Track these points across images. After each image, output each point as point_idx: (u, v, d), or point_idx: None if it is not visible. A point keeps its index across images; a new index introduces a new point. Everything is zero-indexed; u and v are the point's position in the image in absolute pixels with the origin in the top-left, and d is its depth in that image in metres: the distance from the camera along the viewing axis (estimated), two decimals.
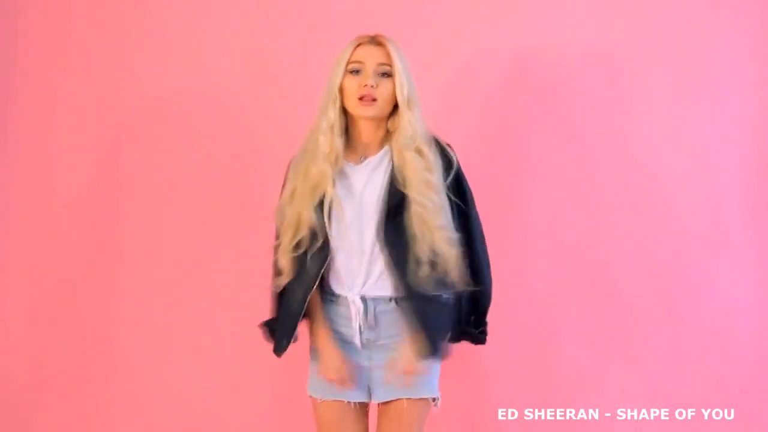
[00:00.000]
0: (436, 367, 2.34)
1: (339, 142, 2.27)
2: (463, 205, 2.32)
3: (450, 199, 2.27)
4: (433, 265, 2.21)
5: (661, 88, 3.01)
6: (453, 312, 2.31)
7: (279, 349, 2.35)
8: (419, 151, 2.25)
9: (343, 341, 2.32)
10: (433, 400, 2.33)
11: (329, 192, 2.25)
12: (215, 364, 3.14)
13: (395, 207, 2.23)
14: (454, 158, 2.31)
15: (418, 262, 2.21)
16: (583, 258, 3.02)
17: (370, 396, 2.33)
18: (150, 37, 3.21)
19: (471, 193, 2.35)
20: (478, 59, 3.05)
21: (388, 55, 2.25)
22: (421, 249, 2.20)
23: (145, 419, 3.18)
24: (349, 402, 2.31)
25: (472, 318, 2.41)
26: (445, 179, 2.27)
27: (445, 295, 2.25)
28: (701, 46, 3.01)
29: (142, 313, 3.18)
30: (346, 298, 2.31)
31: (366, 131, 2.31)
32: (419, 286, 2.21)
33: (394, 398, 2.29)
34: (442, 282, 2.22)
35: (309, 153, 2.30)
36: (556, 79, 3.03)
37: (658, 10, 3.01)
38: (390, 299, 2.29)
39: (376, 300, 2.29)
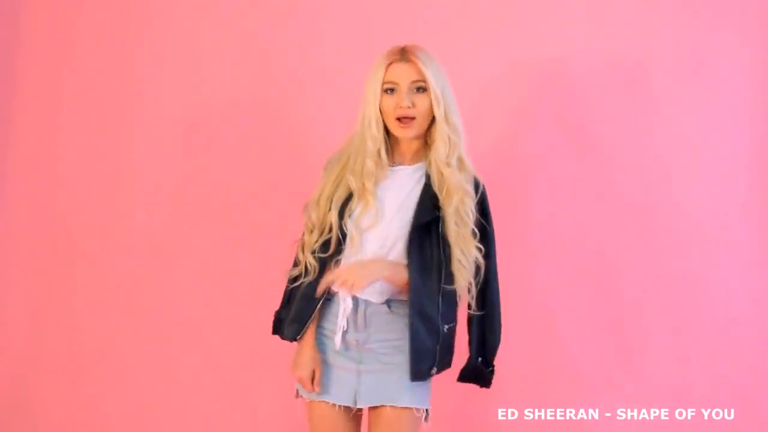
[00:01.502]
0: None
1: (385, 157, 2.29)
2: (480, 236, 2.30)
3: (481, 225, 2.31)
4: (456, 276, 2.25)
5: (663, 91, 3.01)
6: (446, 343, 2.30)
7: (292, 334, 2.32)
8: (460, 162, 2.29)
9: (332, 341, 2.30)
10: (425, 411, 2.30)
11: (370, 202, 2.26)
12: (216, 364, 3.15)
13: (428, 218, 2.25)
14: (481, 185, 2.33)
15: (456, 273, 2.25)
16: (584, 258, 3.02)
17: (355, 401, 2.29)
18: (154, 36, 3.21)
19: (492, 229, 2.35)
20: (483, 66, 3.05)
21: (420, 71, 2.24)
22: (456, 256, 2.24)
23: (146, 419, 3.18)
24: (334, 404, 2.29)
25: (480, 359, 2.37)
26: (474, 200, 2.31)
27: (445, 326, 2.27)
28: (704, 51, 3.01)
29: (144, 313, 3.18)
30: (338, 294, 2.30)
31: (401, 144, 2.33)
32: (431, 303, 2.24)
33: (378, 404, 2.27)
34: (455, 296, 2.28)
35: (348, 160, 2.31)
36: (560, 84, 3.03)
37: (663, 17, 3.01)
38: (383, 303, 2.29)
39: (367, 301, 2.28)
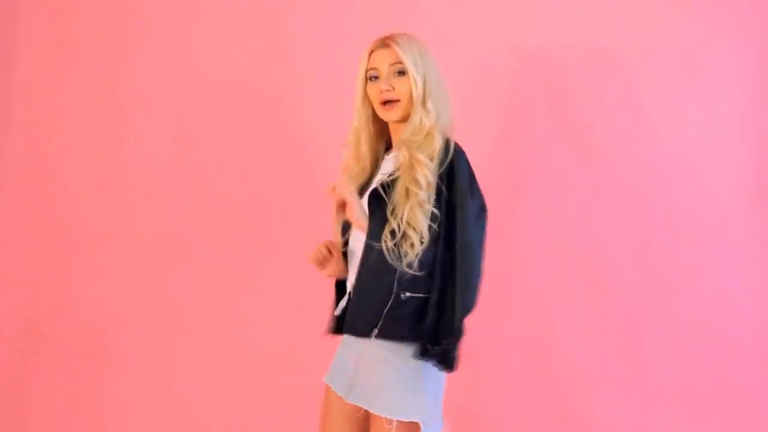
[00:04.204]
0: (415, 387, 2.19)
1: (366, 149, 2.34)
2: (448, 203, 2.20)
3: (439, 189, 2.19)
4: (395, 234, 2.14)
5: (660, 88, 3.01)
6: (401, 311, 2.17)
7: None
8: (427, 136, 2.23)
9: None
10: (395, 422, 2.15)
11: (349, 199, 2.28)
12: (215, 362, 3.15)
13: (385, 188, 2.21)
14: (452, 152, 2.22)
15: (392, 232, 2.15)
16: (581, 258, 3.02)
17: (347, 395, 2.25)
18: (149, 35, 3.22)
19: (467, 196, 2.22)
20: (478, 60, 3.05)
21: (396, 54, 2.27)
22: (394, 218, 2.15)
23: (144, 418, 3.18)
24: (333, 391, 2.30)
25: (436, 347, 2.17)
26: (439, 169, 2.20)
27: (406, 293, 2.15)
28: (701, 46, 3.01)
29: (142, 310, 3.19)
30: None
31: (395, 132, 2.35)
32: (383, 262, 2.14)
33: (361, 405, 2.21)
34: (395, 254, 2.14)
35: (344, 161, 2.38)
36: (557, 83, 3.03)
37: (662, 17, 3.01)
38: None
39: None
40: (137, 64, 3.21)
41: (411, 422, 2.15)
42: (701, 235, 2.99)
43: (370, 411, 2.19)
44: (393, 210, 2.17)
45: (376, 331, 2.17)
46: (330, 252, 2.34)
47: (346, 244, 2.36)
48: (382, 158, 2.39)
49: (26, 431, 3.22)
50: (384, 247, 2.15)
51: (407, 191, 2.17)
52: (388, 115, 2.29)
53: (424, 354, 2.15)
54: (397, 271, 2.15)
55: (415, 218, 2.15)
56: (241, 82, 3.15)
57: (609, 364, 3.00)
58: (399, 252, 2.15)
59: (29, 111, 3.27)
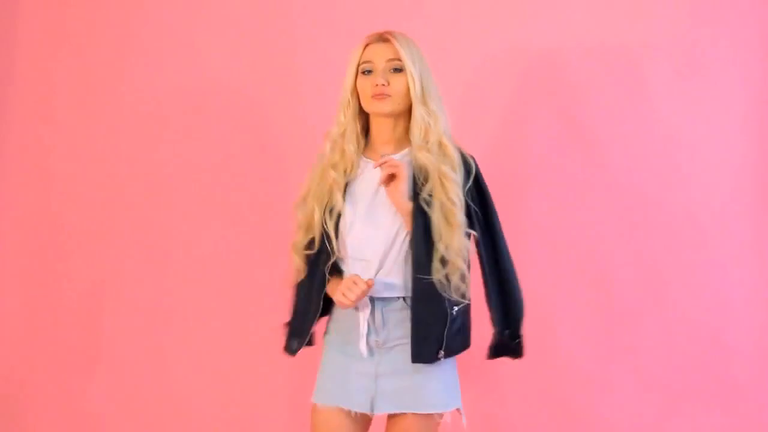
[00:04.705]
0: (445, 379, 2.24)
1: (351, 148, 2.26)
2: (482, 214, 2.24)
3: (468, 205, 2.21)
4: (446, 264, 2.14)
5: (660, 87, 3.00)
6: (455, 326, 2.19)
7: (288, 349, 2.32)
8: (441, 146, 2.20)
9: (351, 346, 2.24)
10: (443, 414, 2.23)
11: (338, 200, 2.23)
12: (212, 363, 3.14)
13: (419, 206, 2.17)
14: (473, 165, 2.25)
15: (442, 261, 2.14)
16: (580, 257, 3.01)
17: (372, 407, 2.22)
18: (152, 33, 3.21)
19: (493, 204, 2.28)
20: (478, 60, 3.05)
21: (396, 50, 2.21)
22: (442, 246, 2.14)
23: (142, 419, 3.17)
24: (350, 411, 2.22)
25: (507, 331, 2.29)
26: (465, 183, 2.21)
27: (454, 308, 2.17)
28: (702, 46, 3.00)
29: (139, 310, 3.18)
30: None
31: (383, 129, 2.27)
32: (434, 287, 2.14)
33: (397, 411, 2.20)
34: (447, 285, 2.15)
35: (326, 157, 2.28)
36: (556, 82, 3.02)
37: (661, 15, 3.00)
38: (398, 298, 2.22)
39: (384, 300, 2.22)
40: (137, 64, 3.20)
41: (453, 411, 2.25)
42: (701, 235, 2.99)
43: (415, 413, 2.18)
44: (438, 236, 2.14)
45: (442, 353, 2.18)
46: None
47: (319, 260, 2.27)
48: (361, 158, 2.29)
49: (26, 431, 3.22)
50: (436, 280, 2.14)
51: (447, 215, 2.15)
52: (380, 106, 2.21)
53: (499, 352, 2.30)
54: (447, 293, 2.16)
55: (461, 247, 2.15)
56: (241, 82, 3.15)
57: (609, 364, 3.00)
58: (450, 284, 2.15)
59: (29, 110, 3.27)
